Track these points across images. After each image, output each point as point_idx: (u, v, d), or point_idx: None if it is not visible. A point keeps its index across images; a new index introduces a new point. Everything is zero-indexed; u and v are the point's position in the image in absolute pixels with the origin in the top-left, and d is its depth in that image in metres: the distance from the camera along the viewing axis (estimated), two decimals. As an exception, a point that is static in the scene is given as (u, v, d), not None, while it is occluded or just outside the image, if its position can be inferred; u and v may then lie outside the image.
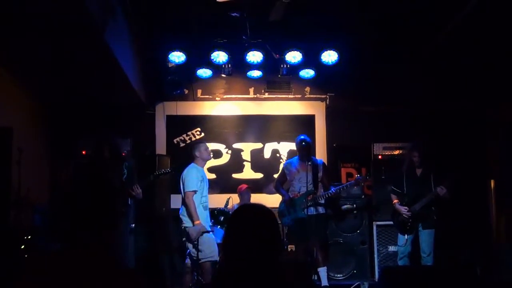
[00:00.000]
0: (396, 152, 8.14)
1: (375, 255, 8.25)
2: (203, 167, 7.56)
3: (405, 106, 9.34)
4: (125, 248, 6.87)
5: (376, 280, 7.97)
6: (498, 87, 8.45)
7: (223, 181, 9.49)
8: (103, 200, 2.49)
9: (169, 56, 8.73)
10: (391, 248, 8.04)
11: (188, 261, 7.36)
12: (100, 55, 6.63)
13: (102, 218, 2.46)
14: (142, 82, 8.89)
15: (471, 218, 8.65)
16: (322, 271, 7.58)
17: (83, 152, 8.14)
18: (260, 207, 2.74)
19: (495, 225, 8.46)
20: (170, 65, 8.91)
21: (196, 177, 7.26)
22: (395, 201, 7.58)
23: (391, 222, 7.79)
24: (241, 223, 2.64)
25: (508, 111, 8.59)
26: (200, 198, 7.25)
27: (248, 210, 2.75)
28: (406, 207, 7.40)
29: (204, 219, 7.21)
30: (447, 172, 7.32)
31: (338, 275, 8.15)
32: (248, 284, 2.48)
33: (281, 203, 7.93)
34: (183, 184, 7.26)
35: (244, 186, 8.90)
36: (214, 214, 8.13)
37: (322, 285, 7.47)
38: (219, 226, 7.98)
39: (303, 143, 7.87)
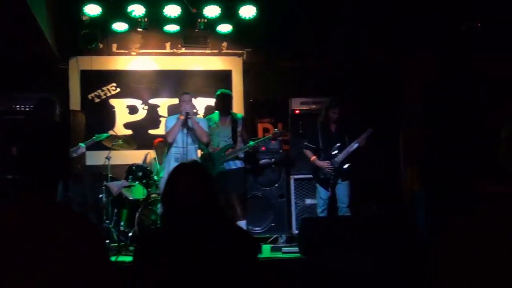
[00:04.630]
0: (314, 107, 8.26)
1: (293, 208, 8.40)
2: None
3: (321, 61, 9.46)
4: None
5: (294, 233, 8.16)
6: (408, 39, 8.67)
7: (140, 137, 9.32)
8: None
9: (84, 8, 8.43)
10: (308, 201, 8.23)
11: None
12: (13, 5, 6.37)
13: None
14: (55, 35, 8.55)
15: (383, 169, 8.97)
16: (242, 224, 7.66)
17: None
18: (195, 163, 3.16)
19: (406, 175, 8.77)
20: (84, 18, 8.64)
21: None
22: (313, 157, 7.72)
23: (309, 176, 8.00)
24: (180, 177, 2.84)
25: (417, 63, 8.87)
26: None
27: (185, 165, 2.97)
28: (328, 161, 7.59)
29: None
30: (362, 128, 7.53)
31: (257, 228, 8.26)
32: (193, 229, 2.62)
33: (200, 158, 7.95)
34: None
35: (158, 139, 8.84)
36: (133, 169, 8.07)
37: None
38: (137, 182, 7.94)
39: (223, 96, 7.90)
